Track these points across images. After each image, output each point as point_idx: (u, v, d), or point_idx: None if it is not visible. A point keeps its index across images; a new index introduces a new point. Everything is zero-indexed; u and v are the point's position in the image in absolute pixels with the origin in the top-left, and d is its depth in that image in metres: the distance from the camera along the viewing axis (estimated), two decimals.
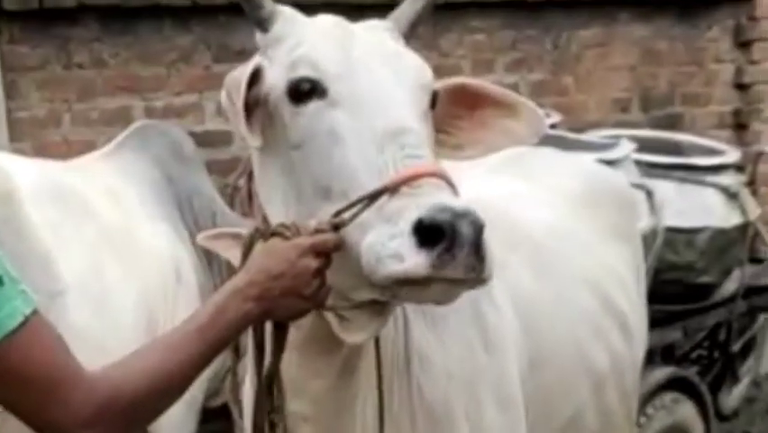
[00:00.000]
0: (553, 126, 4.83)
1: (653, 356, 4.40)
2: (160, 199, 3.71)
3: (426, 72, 1.99)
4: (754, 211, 4.79)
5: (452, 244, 1.67)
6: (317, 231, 1.85)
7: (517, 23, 5.74)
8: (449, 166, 1.97)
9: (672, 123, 6.22)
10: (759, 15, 6.45)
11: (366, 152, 1.82)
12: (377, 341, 2.10)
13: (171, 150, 3.88)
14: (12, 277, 1.65)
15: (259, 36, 2.04)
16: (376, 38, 1.99)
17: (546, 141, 4.39)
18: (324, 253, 1.83)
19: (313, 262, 1.82)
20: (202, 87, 4.87)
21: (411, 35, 2.09)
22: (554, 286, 2.73)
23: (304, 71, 1.91)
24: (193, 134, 4.35)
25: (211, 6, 4.78)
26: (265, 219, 1.99)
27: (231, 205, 4.61)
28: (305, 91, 1.90)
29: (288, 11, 2.04)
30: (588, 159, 3.72)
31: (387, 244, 1.72)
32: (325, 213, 1.86)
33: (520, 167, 3.12)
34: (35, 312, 1.66)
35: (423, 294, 1.77)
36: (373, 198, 1.78)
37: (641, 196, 4.17)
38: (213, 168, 4.96)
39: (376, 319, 2.00)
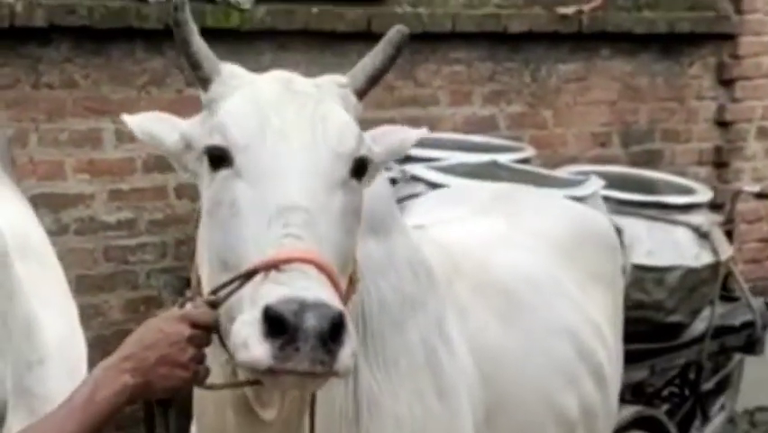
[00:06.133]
0: (526, 161, 4.81)
1: (621, 394, 4.35)
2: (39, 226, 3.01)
3: (348, 139, 1.91)
4: (726, 251, 4.76)
5: (294, 337, 1.65)
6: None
7: (497, 55, 5.71)
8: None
9: (652, 159, 6.20)
10: (742, 54, 6.44)
11: (257, 228, 1.79)
12: (313, 398, 2.01)
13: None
14: None
15: (202, 94, 2.02)
16: (309, 101, 1.92)
17: (515, 176, 4.41)
18: (200, 326, 1.81)
19: (186, 330, 1.79)
20: (173, 110, 4.70)
21: (369, 89, 2.04)
22: (525, 334, 2.68)
23: (216, 139, 1.89)
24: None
25: None
26: (198, 282, 1.94)
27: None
28: (215, 158, 1.89)
29: (227, 70, 1.99)
30: (573, 201, 3.66)
31: (241, 330, 1.70)
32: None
33: (507, 206, 3.09)
34: None
35: (277, 384, 1.75)
36: (247, 277, 1.76)
37: None
38: (182, 192, 4.94)
39: (287, 397, 1.97)
